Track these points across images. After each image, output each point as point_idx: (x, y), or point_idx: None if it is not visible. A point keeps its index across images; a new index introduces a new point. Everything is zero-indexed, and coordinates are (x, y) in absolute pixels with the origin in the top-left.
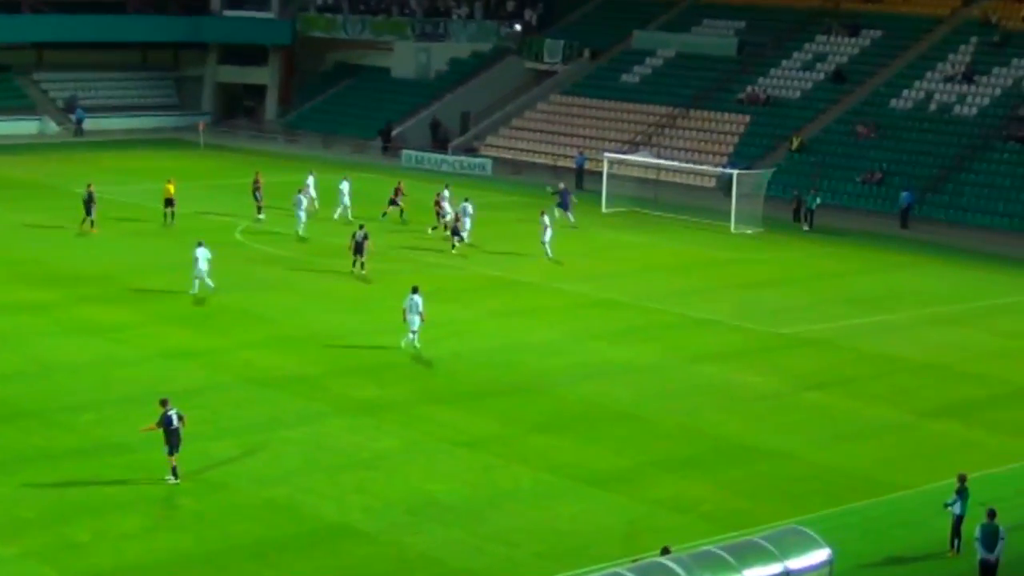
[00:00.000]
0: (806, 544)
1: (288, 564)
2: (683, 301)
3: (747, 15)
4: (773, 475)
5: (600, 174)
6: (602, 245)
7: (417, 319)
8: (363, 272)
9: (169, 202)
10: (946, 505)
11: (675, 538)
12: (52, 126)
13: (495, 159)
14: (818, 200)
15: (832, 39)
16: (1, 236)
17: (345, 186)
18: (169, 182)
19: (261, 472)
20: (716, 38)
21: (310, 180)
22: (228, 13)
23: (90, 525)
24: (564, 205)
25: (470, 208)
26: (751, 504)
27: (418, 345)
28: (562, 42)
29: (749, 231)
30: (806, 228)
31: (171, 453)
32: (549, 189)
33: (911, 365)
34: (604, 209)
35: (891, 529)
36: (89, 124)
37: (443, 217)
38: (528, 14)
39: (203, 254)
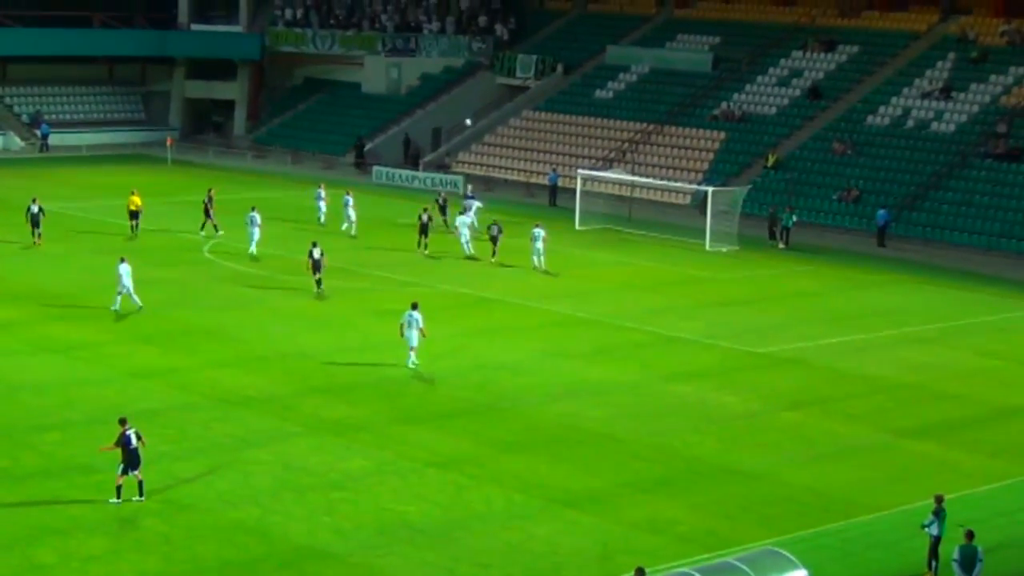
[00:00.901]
0: (782, 566)
1: None
2: (657, 320)
3: (722, 31)
4: (749, 496)
5: (574, 191)
6: (575, 263)
7: (416, 335)
8: (320, 290)
9: (134, 214)
10: (923, 526)
11: (650, 559)
12: (16, 141)
13: (467, 176)
14: (794, 218)
15: (808, 55)
16: None
17: (349, 200)
18: (134, 194)
19: (229, 493)
20: (691, 54)
21: (321, 193)
22: (196, 27)
23: (55, 546)
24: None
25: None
26: (726, 525)
27: (416, 362)
28: (535, 57)
29: (724, 249)
30: (782, 246)
31: (125, 472)
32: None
33: (888, 384)
34: (578, 227)
35: (868, 551)
36: (55, 139)
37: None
38: (500, 29)
39: (126, 270)
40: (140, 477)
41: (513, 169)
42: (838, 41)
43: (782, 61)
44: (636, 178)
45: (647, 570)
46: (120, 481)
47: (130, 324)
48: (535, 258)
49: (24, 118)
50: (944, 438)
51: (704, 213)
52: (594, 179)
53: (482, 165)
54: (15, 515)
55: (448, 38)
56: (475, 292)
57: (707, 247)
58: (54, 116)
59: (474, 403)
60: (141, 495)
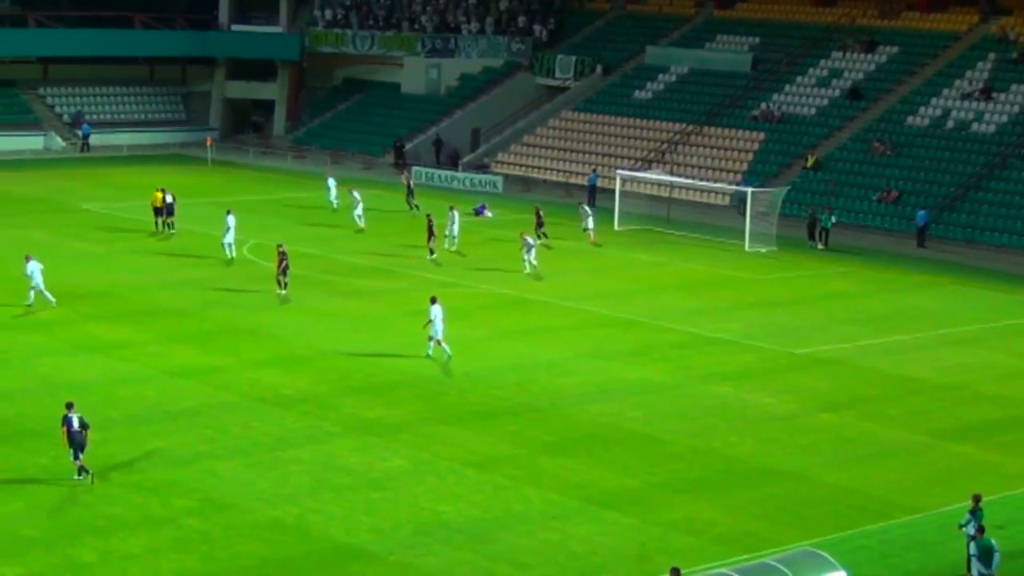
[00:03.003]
0: (821, 567)
1: None
2: (696, 320)
3: (762, 31)
4: (787, 497)
5: (613, 192)
6: (614, 263)
7: (441, 328)
8: (285, 292)
9: (158, 211)
10: (960, 526)
11: (688, 560)
12: (58, 141)
13: (506, 176)
14: (833, 219)
15: (848, 55)
16: (4, 253)
17: (356, 194)
18: (158, 191)
19: (268, 492)
20: (730, 54)
21: (331, 183)
22: (236, 28)
23: (95, 545)
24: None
25: (457, 215)
26: (765, 526)
27: (450, 353)
28: (574, 58)
29: (763, 250)
30: (821, 247)
31: (75, 457)
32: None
33: (927, 386)
34: (616, 227)
35: (906, 552)
36: (95, 139)
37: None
38: (539, 29)
39: (35, 267)
40: (81, 462)
41: (552, 170)
42: (878, 42)
43: (822, 62)
44: (675, 179)
45: (684, 571)
46: (79, 463)
47: (169, 324)
48: (526, 263)
49: (65, 118)
50: (983, 440)
51: (743, 214)
52: (633, 179)
53: (521, 166)
54: (56, 514)
55: (487, 39)
56: (514, 292)
57: (746, 248)
58: (95, 116)
59: (512, 403)
60: (80, 476)
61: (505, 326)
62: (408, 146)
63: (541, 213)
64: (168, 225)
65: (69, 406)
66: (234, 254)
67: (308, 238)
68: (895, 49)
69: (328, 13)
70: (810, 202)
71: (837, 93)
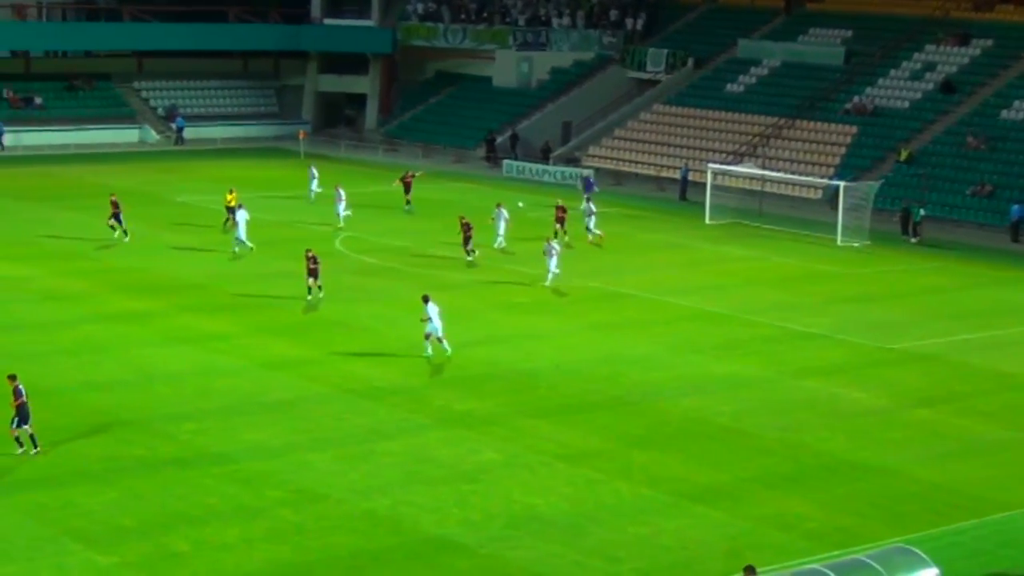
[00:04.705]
0: (913, 564)
1: None
2: (787, 315)
3: (854, 24)
4: (879, 493)
5: (704, 185)
6: (705, 257)
7: (438, 324)
8: (320, 296)
9: (231, 210)
10: None
11: (778, 555)
12: (152, 134)
13: (597, 170)
14: (922, 212)
15: (941, 48)
16: (101, 245)
17: (341, 191)
18: (231, 192)
19: (361, 483)
20: (823, 47)
21: (314, 172)
22: (328, 22)
23: (189, 535)
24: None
25: (505, 213)
26: (856, 522)
27: (448, 349)
28: (665, 51)
29: (856, 244)
30: (914, 241)
31: (20, 425)
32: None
33: (1021, 382)
34: (708, 221)
35: (1000, 549)
36: (189, 133)
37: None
38: (630, 23)
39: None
40: (31, 431)
41: (643, 163)
42: (972, 35)
43: (915, 55)
44: (767, 172)
45: (775, 566)
46: (16, 433)
47: (263, 316)
48: (551, 274)
49: (160, 112)
50: None
51: (835, 208)
52: (724, 173)
53: (612, 159)
54: (150, 503)
55: (578, 32)
56: (605, 286)
57: (838, 242)
58: (189, 110)
59: (603, 397)
60: (22, 447)
61: (595, 320)
62: (499, 139)
63: (564, 210)
64: (124, 232)
65: (13, 378)
66: (250, 245)
67: (398, 231)
68: (989, 42)
69: (420, 7)
70: (903, 196)
71: (931, 86)
